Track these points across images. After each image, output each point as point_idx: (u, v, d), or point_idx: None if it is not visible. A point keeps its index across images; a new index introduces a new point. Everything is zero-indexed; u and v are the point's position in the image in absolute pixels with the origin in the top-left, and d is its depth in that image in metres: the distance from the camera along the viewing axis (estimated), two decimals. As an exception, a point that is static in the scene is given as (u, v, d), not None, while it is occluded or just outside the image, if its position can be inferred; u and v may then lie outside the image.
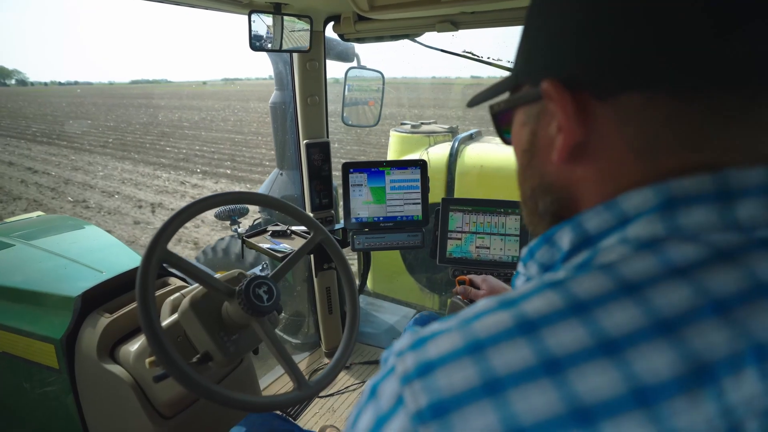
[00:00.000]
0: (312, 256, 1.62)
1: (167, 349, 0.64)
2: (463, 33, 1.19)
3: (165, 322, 0.87)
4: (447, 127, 2.69)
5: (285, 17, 1.16)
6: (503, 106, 0.35)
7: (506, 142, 0.37)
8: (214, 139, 13.37)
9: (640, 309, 0.21)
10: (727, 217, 0.23)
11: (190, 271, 0.73)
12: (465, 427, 0.21)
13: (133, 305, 1.01)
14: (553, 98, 0.27)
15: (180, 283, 1.13)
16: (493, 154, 2.30)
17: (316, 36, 1.29)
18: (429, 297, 2.49)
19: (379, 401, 0.24)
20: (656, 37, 0.23)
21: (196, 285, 1.04)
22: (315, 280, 1.68)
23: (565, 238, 0.28)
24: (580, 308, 0.22)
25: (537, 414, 0.20)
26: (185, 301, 0.80)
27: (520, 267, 0.34)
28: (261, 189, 1.94)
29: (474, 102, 0.40)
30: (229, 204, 0.87)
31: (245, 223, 2.37)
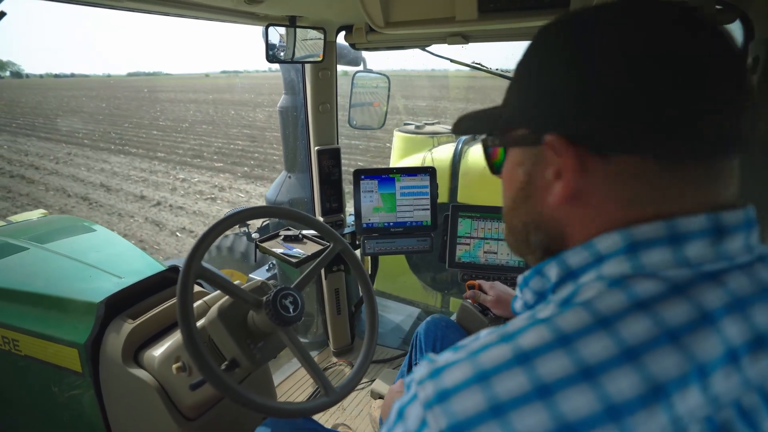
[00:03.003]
0: None
1: (209, 363, 0.67)
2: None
3: None
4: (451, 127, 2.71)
5: (298, 28, 1.19)
6: (497, 143, 0.41)
7: (494, 172, 0.43)
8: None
9: (612, 340, 0.26)
10: (679, 256, 0.29)
11: (221, 285, 0.76)
12: None
13: (155, 311, 1.05)
14: (557, 151, 0.32)
15: (199, 288, 1.16)
16: (496, 156, 2.33)
17: (329, 46, 1.31)
18: (433, 296, 2.54)
19: (407, 422, 0.29)
20: (654, 113, 0.28)
21: (217, 291, 1.07)
22: (324, 281, 1.71)
23: (552, 271, 0.34)
24: (564, 340, 0.27)
25: (531, 430, 0.25)
26: (213, 311, 0.83)
27: (517, 291, 0.39)
28: (269, 192, 1.97)
29: (461, 131, 0.45)
30: (258, 218, 0.91)
31: (253, 224, 2.40)
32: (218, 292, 1.04)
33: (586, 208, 0.32)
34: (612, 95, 0.29)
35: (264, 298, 0.80)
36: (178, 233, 5.24)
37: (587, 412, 0.24)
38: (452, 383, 0.28)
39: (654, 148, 0.29)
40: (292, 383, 1.67)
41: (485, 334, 0.31)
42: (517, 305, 0.40)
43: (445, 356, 0.31)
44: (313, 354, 1.87)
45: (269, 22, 1.10)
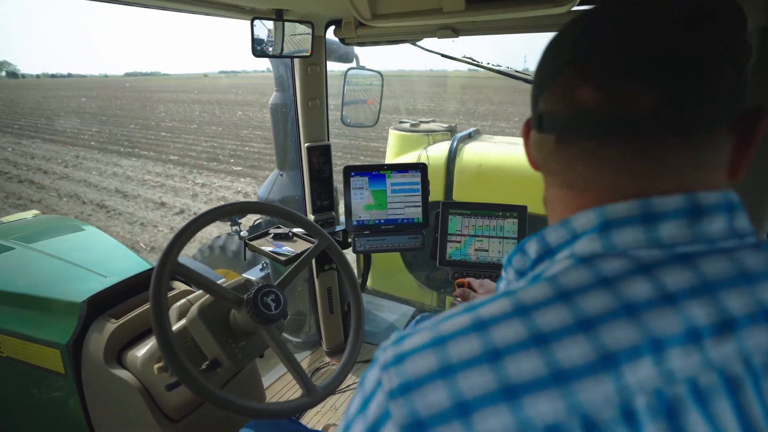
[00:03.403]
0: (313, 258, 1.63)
1: (182, 363, 0.65)
2: (463, 37, 1.20)
3: (173, 329, 0.89)
4: (446, 125, 2.70)
5: (286, 22, 1.17)
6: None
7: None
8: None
9: (569, 311, 0.27)
10: (652, 236, 0.29)
11: (199, 282, 0.74)
12: (423, 401, 0.26)
13: (139, 310, 1.03)
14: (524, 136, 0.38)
15: (185, 287, 1.14)
16: (491, 153, 2.31)
17: (318, 41, 1.29)
18: (428, 294, 2.52)
19: (365, 386, 0.31)
20: (608, 103, 0.30)
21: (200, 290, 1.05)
22: (316, 280, 1.69)
23: (532, 248, 0.35)
24: (522, 311, 0.28)
25: (474, 391, 0.26)
26: (194, 310, 0.81)
27: (503, 272, 0.40)
28: (261, 189, 1.95)
29: None
30: (238, 214, 0.89)
31: (245, 222, 2.38)
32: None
33: (563, 190, 0.34)
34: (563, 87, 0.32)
35: (245, 296, 0.78)
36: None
37: (532, 376, 0.25)
38: (410, 347, 0.29)
39: (611, 131, 0.30)
40: (283, 384, 1.65)
41: (453, 308, 0.32)
42: (501, 286, 0.40)
43: (417, 327, 0.32)
44: (306, 354, 1.85)
45: (255, 15, 1.08)
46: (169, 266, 0.70)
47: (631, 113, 0.29)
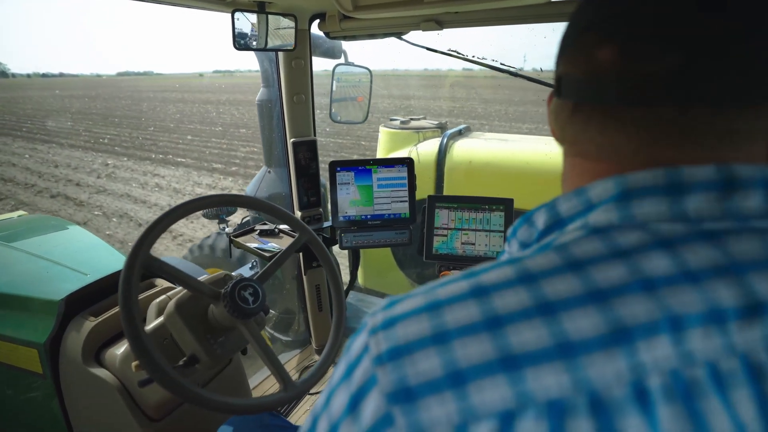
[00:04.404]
0: (301, 254, 1.62)
1: (151, 354, 0.64)
2: (450, 31, 1.19)
3: (151, 325, 0.87)
4: (436, 123, 2.69)
5: (269, 15, 1.15)
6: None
7: None
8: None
9: (579, 280, 0.25)
10: (676, 209, 0.26)
11: (174, 276, 0.73)
12: (413, 368, 0.25)
13: (118, 308, 1.01)
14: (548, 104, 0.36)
15: (167, 284, 1.12)
16: (481, 150, 2.31)
17: (301, 34, 1.28)
18: (419, 292, 2.51)
19: (350, 352, 0.29)
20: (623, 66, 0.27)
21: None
22: (304, 278, 1.68)
23: (540, 218, 0.32)
24: (527, 278, 0.26)
25: (471, 360, 0.24)
26: (170, 305, 0.80)
27: (506, 245, 0.36)
28: (249, 186, 1.93)
29: None
30: (215, 206, 0.87)
31: (233, 221, 2.36)
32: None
33: (577, 158, 0.32)
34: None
35: (222, 290, 0.77)
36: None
37: (535, 347, 0.23)
38: (401, 311, 0.27)
39: (629, 97, 0.27)
40: (271, 383, 1.63)
41: (453, 274, 0.30)
42: (503, 259, 0.38)
43: (409, 292, 0.30)
44: (296, 352, 1.83)
45: (236, 7, 1.07)
46: (141, 259, 0.68)
47: (654, 76, 0.26)
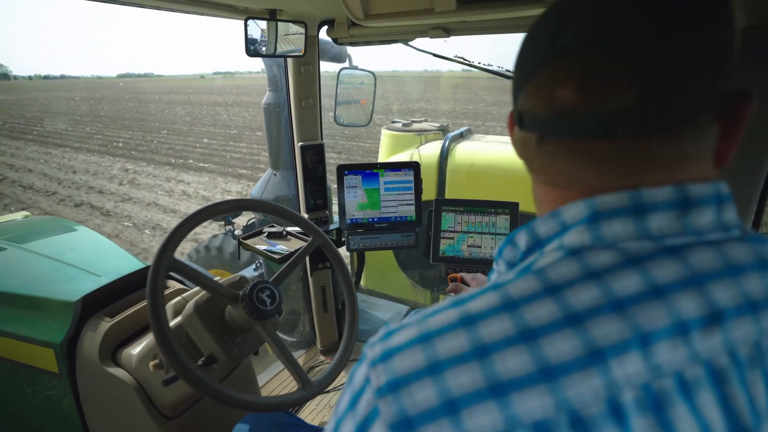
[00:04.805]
0: (307, 256, 1.64)
1: (180, 357, 0.66)
2: (458, 37, 1.21)
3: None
4: (438, 125, 2.72)
5: (280, 22, 1.17)
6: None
7: None
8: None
9: (557, 305, 0.27)
10: (641, 228, 0.29)
11: (196, 278, 0.75)
12: (411, 399, 0.26)
13: (134, 309, 1.03)
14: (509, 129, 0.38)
15: (179, 285, 1.14)
16: (483, 153, 2.34)
17: (311, 41, 1.30)
18: (421, 293, 2.53)
19: (354, 383, 0.30)
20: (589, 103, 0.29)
21: (196, 288, 1.06)
22: (310, 279, 1.70)
23: (522, 239, 0.34)
24: (510, 306, 0.28)
25: (463, 388, 0.26)
26: (189, 306, 0.82)
27: (494, 264, 0.39)
28: (254, 189, 1.95)
29: None
30: (233, 211, 0.89)
31: (239, 222, 2.38)
32: (197, 288, 1.03)
33: (553, 185, 0.34)
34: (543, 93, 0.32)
35: (240, 292, 0.79)
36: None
37: (520, 372, 0.25)
38: (398, 343, 0.29)
39: (594, 131, 0.29)
40: (278, 382, 1.66)
41: (441, 302, 0.32)
42: (492, 278, 0.40)
43: (404, 321, 0.32)
44: (301, 352, 1.85)
45: (248, 15, 1.09)
46: (166, 262, 0.71)
47: (613, 112, 0.28)
